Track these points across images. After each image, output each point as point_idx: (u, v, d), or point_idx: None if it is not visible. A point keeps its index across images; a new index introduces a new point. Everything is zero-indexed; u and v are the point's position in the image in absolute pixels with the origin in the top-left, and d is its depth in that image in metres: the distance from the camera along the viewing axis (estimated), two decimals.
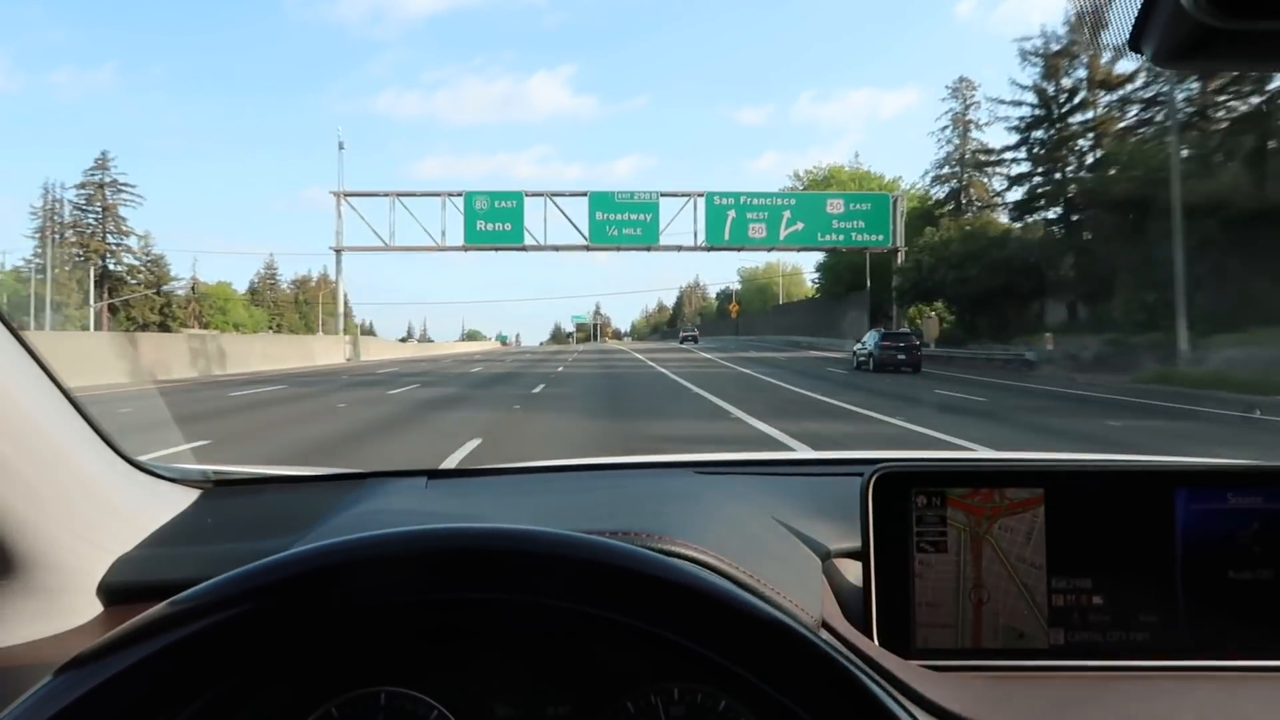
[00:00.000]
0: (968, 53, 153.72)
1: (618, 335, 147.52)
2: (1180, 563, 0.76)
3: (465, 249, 34.37)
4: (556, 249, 34.75)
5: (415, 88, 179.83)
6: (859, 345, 24.46)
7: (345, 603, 0.54)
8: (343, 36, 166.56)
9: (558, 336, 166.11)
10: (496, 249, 34.90)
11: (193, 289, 74.51)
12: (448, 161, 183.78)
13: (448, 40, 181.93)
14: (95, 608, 0.81)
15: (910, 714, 0.53)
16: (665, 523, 0.79)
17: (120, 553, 0.83)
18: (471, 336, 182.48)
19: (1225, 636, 0.75)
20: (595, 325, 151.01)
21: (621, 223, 33.93)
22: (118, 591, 0.81)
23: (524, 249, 34.82)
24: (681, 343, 63.42)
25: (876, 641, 0.76)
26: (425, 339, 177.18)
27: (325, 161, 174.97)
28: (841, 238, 35.22)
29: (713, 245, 34.94)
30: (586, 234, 33.80)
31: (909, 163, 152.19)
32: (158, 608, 0.51)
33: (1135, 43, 0.43)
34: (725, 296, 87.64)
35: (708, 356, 30.67)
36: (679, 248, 35.54)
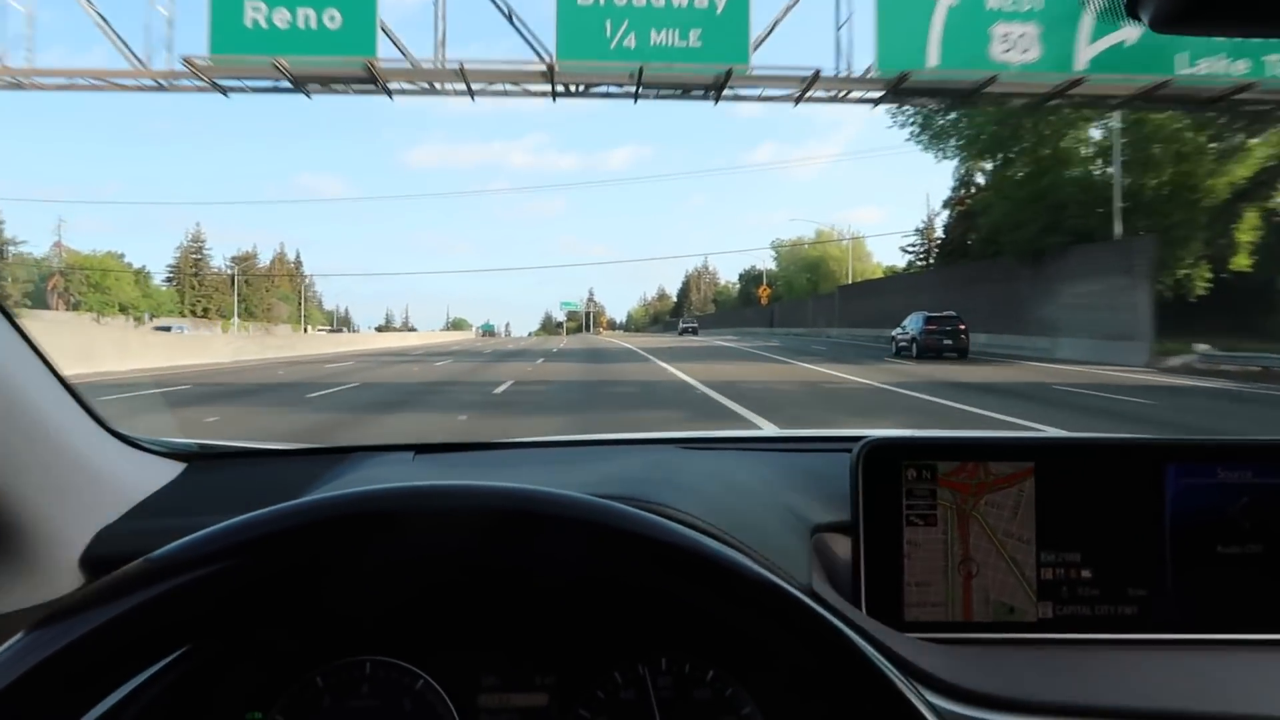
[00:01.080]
0: None
1: (613, 326, 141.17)
2: (1169, 537, 0.77)
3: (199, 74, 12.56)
4: (462, 81, 13.07)
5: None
6: (899, 330, 23.21)
7: (325, 564, 0.52)
8: None
9: (548, 326, 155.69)
10: (296, 78, 12.88)
11: (60, 257, 61.75)
12: (444, 149, 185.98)
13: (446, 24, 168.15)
14: (77, 579, 0.82)
15: (900, 677, 0.54)
16: (653, 490, 0.80)
17: (103, 524, 0.85)
18: (457, 326, 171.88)
19: (1214, 610, 0.77)
20: (588, 314, 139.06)
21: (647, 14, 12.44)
22: (100, 563, 0.82)
23: (374, 82, 13.03)
24: (680, 334, 62.41)
25: (865, 612, 0.77)
26: (408, 328, 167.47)
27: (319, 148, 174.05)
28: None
29: (902, 82, 12.84)
30: (552, 52, 12.82)
31: (906, 158, 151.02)
32: (132, 565, 0.51)
33: (1133, 8, 0.44)
34: (752, 278, 75.97)
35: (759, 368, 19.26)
36: (801, 83, 13.11)
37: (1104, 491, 0.77)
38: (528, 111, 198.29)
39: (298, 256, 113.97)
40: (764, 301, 53.50)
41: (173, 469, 1.00)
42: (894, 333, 23.48)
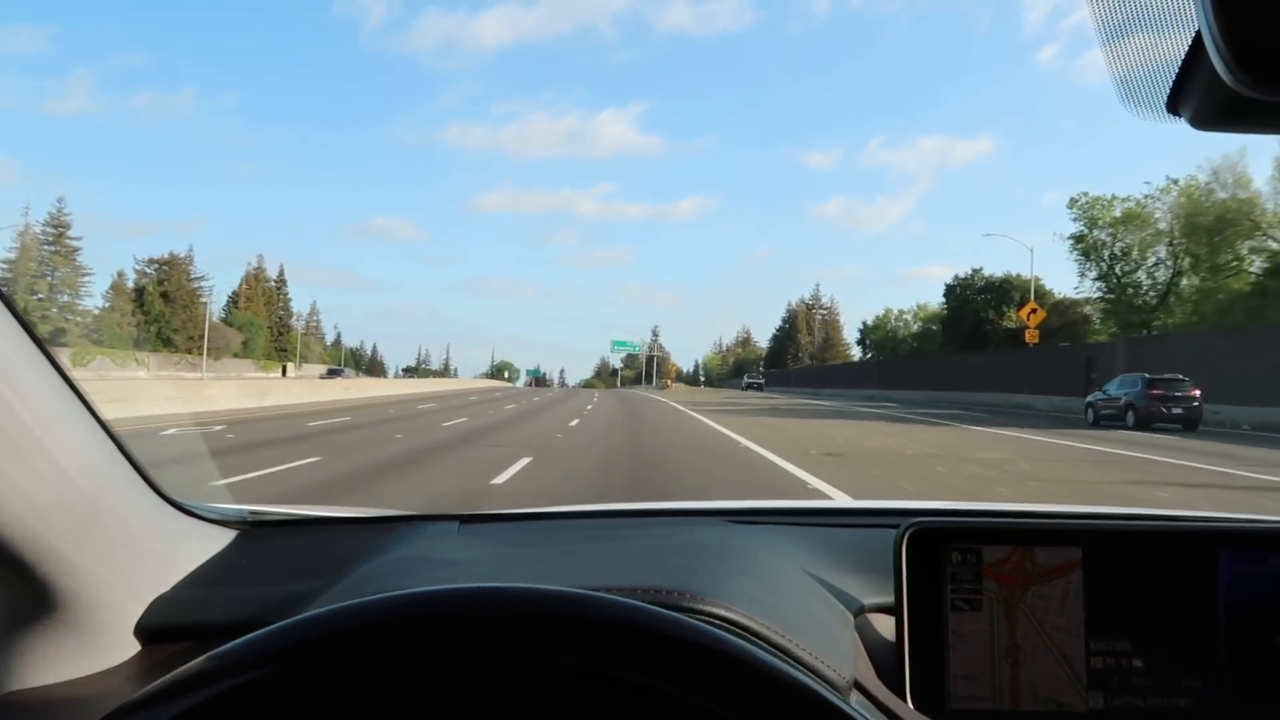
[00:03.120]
0: (1047, 102, 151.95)
1: (682, 377, 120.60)
2: (1224, 627, 0.78)
3: None
4: None
5: (483, 120, 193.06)
6: (1100, 395, 21.59)
7: (374, 665, 0.56)
8: (414, 69, 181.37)
9: (602, 374, 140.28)
10: None
11: None
12: (512, 196, 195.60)
13: (517, 74, 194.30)
14: (132, 647, 0.88)
15: None
16: (697, 579, 0.84)
17: (158, 592, 0.91)
18: (500, 371, 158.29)
19: (1270, 705, 0.77)
20: (650, 360, 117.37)
21: None
22: (154, 631, 0.88)
23: None
24: (746, 389, 63.19)
25: (910, 702, 0.79)
26: (447, 371, 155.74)
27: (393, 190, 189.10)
28: None
29: None
30: None
31: (983, 214, 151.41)
32: (198, 661, 0.55)
33: (1173, 106, 0.45)
34: (942, 319, 58.25)
35: None
36: None
37: (1154, 577, 0.79)
38: (595, 160, 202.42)
39: (281, 274, 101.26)
40: (1030, 332, 33.46)
41: (225, 536, 1.08)
42: (1092, 397, 22.10)
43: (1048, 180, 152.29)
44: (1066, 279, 73.54)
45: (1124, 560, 0.79)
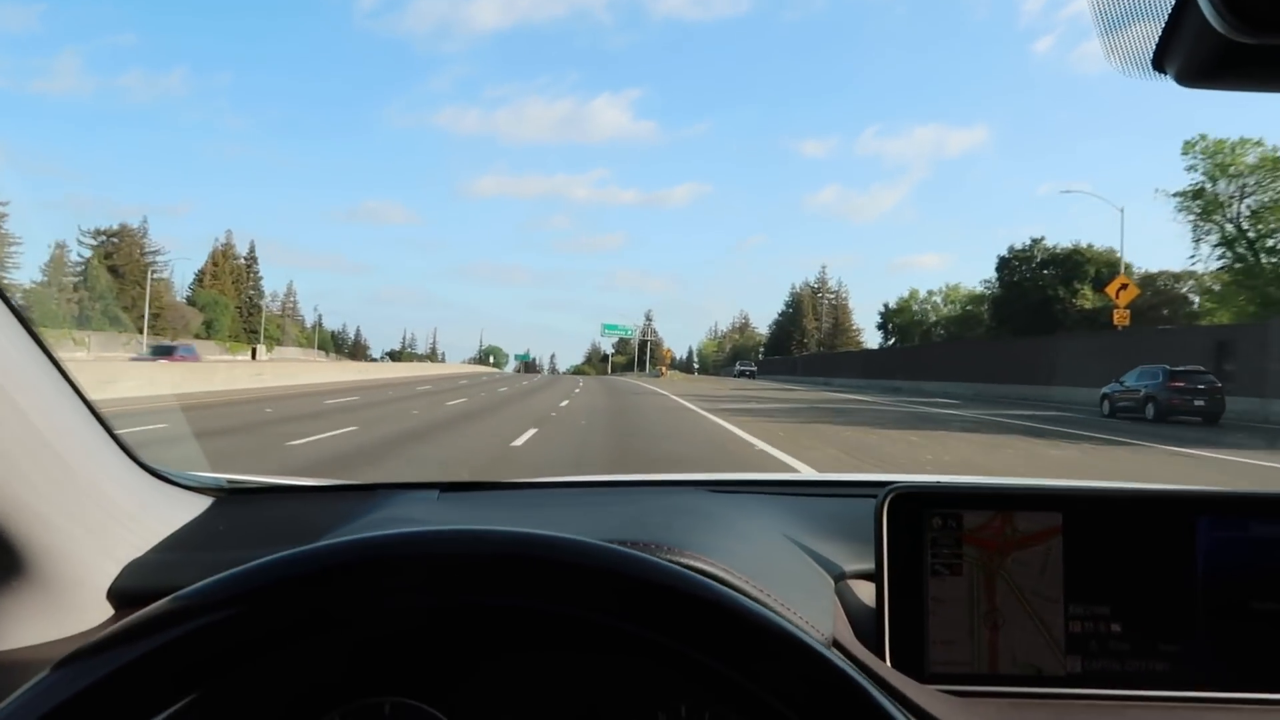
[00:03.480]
0: (1043, 92, 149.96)
1: (676, 364, 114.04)
2: (1202, 592, 0.80)
3: None
4: None
5: (477, 104, 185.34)
6: (1116, 387, 20.85)
7: (350, 606, 0.55)
8: (407, 51, 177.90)
9: (593, 360, 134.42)
10: None
11: None
12: (505, 180, 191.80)
13: (512, 58, 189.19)
14: (106, 611, 0.89)
15: None
16: (677, 537, 0.85)
17: (132, 557, 0.92)
18: (488, 355, 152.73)
19: (1247, 668, 0.79)
20: (644, 344, 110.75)
21: None
22: (128, 596, 0.89)
23: None
24: (738, 377, 61.95)
25: (889, 663, 0.80)
26: (434, 356, 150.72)
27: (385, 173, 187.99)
28: None
29: None
30: None
31: (977, 204, 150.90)
32: (157, 604, 0.53)
33: (1159, 62, 0.45)
34: (992, 298, 51.37)
35: None
36: None
37: (1134, 544, 0.80)
38: (589, 145, 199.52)
39: (251, 251, 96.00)
40: (1121, 316, 28.26)
41: (201, 503, 1.08)
42: (1108, 389, 21.23)
43: (1042, 172, 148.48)
44: (1148, 252, 64.58)
45: (1103, 526, 0.80)
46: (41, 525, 0.80)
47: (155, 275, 65.23)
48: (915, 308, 71.95)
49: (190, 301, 76.19)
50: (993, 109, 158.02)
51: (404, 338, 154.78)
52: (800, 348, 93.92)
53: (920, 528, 0.81)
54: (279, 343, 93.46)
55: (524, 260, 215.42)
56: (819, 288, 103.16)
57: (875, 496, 0.83)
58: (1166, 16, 0.42)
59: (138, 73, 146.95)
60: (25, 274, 60.49)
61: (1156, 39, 0.43)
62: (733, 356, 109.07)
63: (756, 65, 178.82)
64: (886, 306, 75.08)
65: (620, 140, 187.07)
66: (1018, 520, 0.81)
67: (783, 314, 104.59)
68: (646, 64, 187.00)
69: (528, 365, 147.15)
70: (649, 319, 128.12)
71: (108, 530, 0.89)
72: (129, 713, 0.51)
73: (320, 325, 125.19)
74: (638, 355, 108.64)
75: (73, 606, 0.85)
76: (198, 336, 69.71)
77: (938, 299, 70.15)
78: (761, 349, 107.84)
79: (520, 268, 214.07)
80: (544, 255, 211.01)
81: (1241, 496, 0.81)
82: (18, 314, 0.78)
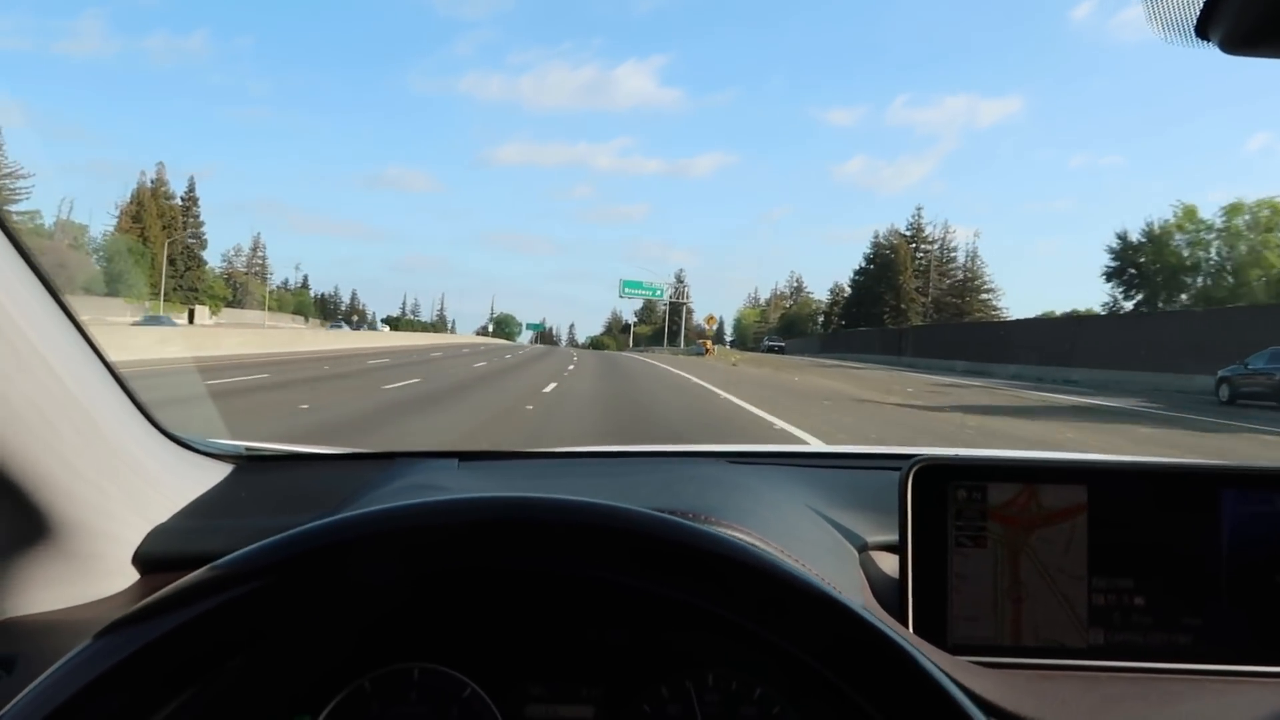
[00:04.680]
0: (1080, 59, 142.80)
1: (722, 339, 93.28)
2: (1226, 566, 0.81)
3: None
4: None
5: (500, 70, 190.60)
6: (1236, 369, 19.33)
7: (380, 574, 0.56)
8: (430, 14, 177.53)
9: (612, 331, 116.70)
10: None
11: None
12: (528, 148, 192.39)
13: (536, 23, 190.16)
14: (131, 576, 0.92)
15: (964, 700, 0.55)
16: (706, 504, 0.88)
17: (156, 523, 0.96)
18: (501, 325, 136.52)
19: (1270, 642, 0.80)
20: (674, 307, 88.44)
21: None
22: (153, 561, 0.93)
23: None
24: (767, 352, 56.88)
25: (912, 632, 0.82)
26: (439, 321, 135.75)
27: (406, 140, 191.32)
28: None
29: None
30: None
31: (1008, 177, 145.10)
32: (195, 574, 0.55)
33: (1202, 29, 0.44)
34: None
35: None
36: None
37: (1158, 517, 0.82)
38: (613, 112, 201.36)
39: (191, 188, 79.91)
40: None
41: (221, 470, 1.11)
42: (1229, 371, 19.61)
43: (1076, 143, 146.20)
44: None
45: (1128, 500, 0.82)
46: (71, 488, 0.82)
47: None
48: (1180, 241, 43.81)
49: (78, 247, 59.90)
50: (1028, 78, 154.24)
51: (404, 303, 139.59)
52: (897, 314, 70.72)
53: (944, 500, 0.83)
54: (235, 304, 76.84)
55: (546, 230, 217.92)
56: (915, 234, 75.23)
57: (895, 469, 0.85)
58: None
59: (161, 35, 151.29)
60: None
61: (1201, 4, 0.43)
62: (786, 327, 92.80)
63: (785, 31, 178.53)
64: (1124, 239, 46.34)
65: (644, 108, 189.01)
66: (1043, 496, 0.82)
67: (864, 270, 76.62)
68: (672, 29, 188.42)
69: (542, 335, 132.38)
70: (680, 279, 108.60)
71: (135, 495, 0.92)
72: (170, 681, 0.53)
73: (306, 287, 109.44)
74: (667, 323, 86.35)
75: (99, 570, 0.88)
76: (87, 291, 52.98)
77: (1243, 221, 40.68)
78: (821, 316, 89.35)
79: (542, 238, 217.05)
80: (566, 224, 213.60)
81: (1267, 471, 0.82)
82: (45, 280, 0.80)
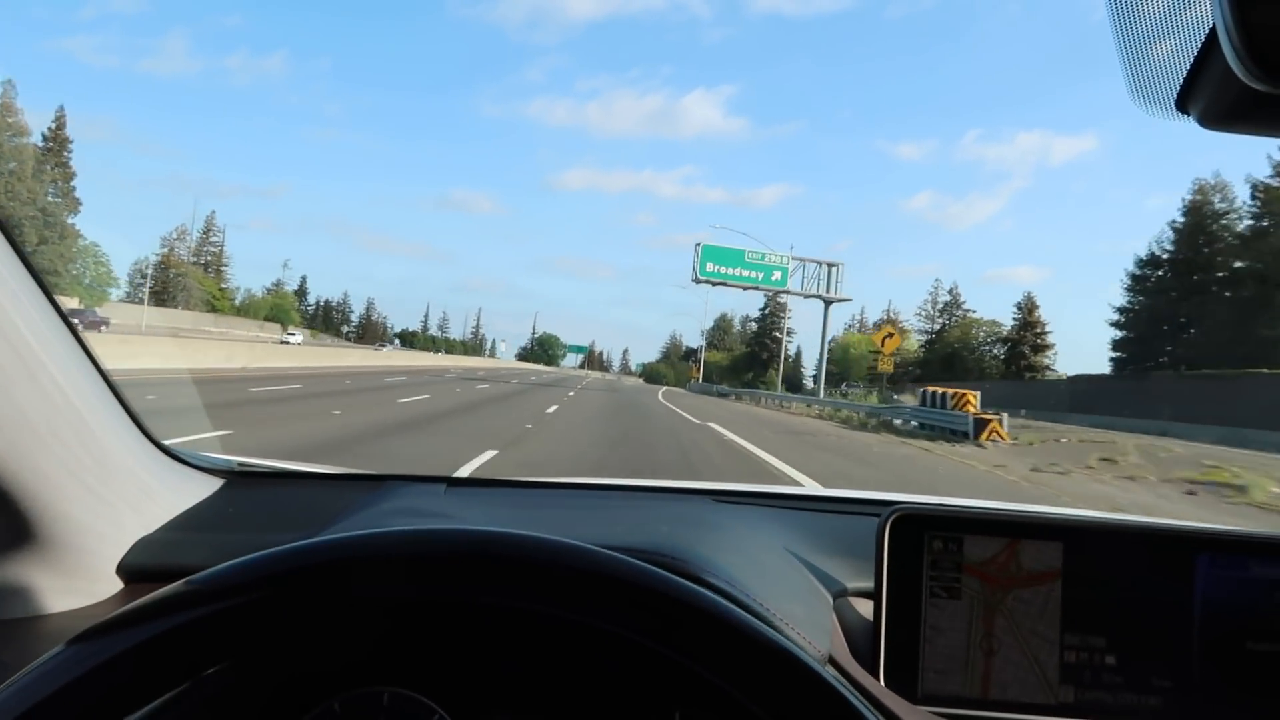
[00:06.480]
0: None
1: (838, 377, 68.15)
2: (1198, 629, 0.84)
3: None
4: None
5: (568, 95, 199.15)
6: None
7: (355, 598, 0.58)
8: (500, 39, 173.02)
9: (671, 358, 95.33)
10: None
11: None
12: (593, 174, 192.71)
13: (606, 50, 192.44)
14: (114, 585, 0.96)
15: None
16: (681, 546, 0.91)
17: (142, 534, 1.00)
18: (543, 345, 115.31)
19: (1240, 707, 0.82)
20: (773, 345, 64.40)
21: None
22: (137, 571, 0.96)
23: None
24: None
25: (882, 683, 0.86)
26: (476, 340, 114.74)
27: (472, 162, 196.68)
28: None
29: None
30: None
31: (1081, 216, 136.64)
32: (171, 587, 0.56)
33: (1182, 104, 0.46)
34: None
35: None
36: None
37: (1133, 577, 0.84)
38: (678, 141, 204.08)
39: (60, 123, 53.52)
40: None
41: (211, 484, 1.16)
42: None
43: (1152, 184, 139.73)
44: None
45: (1104, 558, 0.85)
46: (60, 495, 0.85)
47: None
48: None
49: None
50: (1104, 115, 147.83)
51: (426, 315, 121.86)
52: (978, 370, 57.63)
53: (921, 550, 0.86)
54: (164, 300, 57.34)
55: (606, 255, 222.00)
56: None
57: (877, 515, 0.88)
58: (1190, 61, 0.44)
59: (242, 54, 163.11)
60: None
61: (1180, 82, 0.45)
62: (945, 359, 65.56)
63: (855, 63, 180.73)
64: None
65: (710, 137, 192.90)
66: (1022, 555, 0.85)
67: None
68: (741, 59, 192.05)
69: (589, 359, 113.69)
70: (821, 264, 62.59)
71: (122, 504, 0.95)
72: (138, 691, 0.53)
73: (302, 290, 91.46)
74: (753, 346, 57.45)
75: (84, 578, 0.90)
76: None
77: None
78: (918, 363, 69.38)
79: (601, 263, 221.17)
80: (627, 251, 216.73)
81: (1242, 536, 0.84)
82: (43, 286, 0.83)
